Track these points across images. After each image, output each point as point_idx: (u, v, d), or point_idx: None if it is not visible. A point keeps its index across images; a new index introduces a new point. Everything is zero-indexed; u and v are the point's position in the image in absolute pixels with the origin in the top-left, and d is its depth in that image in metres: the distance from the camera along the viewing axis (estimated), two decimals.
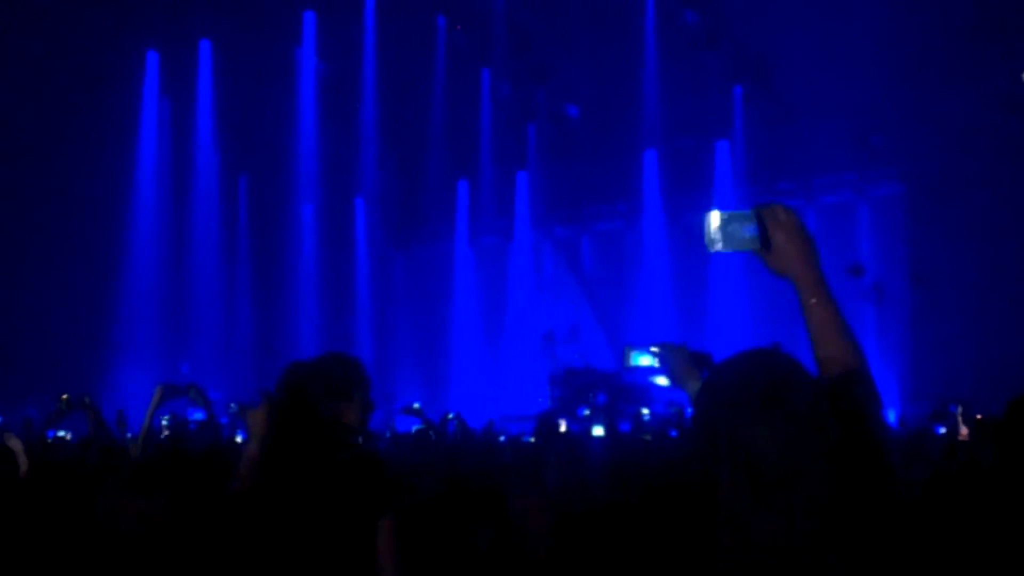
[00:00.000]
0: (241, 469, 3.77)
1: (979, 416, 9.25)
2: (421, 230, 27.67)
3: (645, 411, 13.59)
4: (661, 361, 3.14)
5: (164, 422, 10.51)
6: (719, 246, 2.32)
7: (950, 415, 11.41)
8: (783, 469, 1.94)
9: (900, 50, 19.74)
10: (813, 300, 2.24)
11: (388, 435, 11.69)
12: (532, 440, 10.08)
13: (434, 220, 27.22)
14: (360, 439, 4.07)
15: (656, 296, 23.74)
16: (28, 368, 20.98)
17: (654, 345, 3.22)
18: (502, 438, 11.73)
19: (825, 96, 21.21)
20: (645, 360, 3.27)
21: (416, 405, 9.81)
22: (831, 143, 21.63)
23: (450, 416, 9.70)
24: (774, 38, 21.57)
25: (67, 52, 23.01)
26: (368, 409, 4.08)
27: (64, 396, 6.49)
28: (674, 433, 10.32)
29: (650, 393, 15.56)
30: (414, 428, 11.53)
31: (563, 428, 14.13)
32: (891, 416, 15.11)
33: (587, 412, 14.18)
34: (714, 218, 2.33)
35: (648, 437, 10.44)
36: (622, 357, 3.53)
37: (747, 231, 2.31)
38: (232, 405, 8.65)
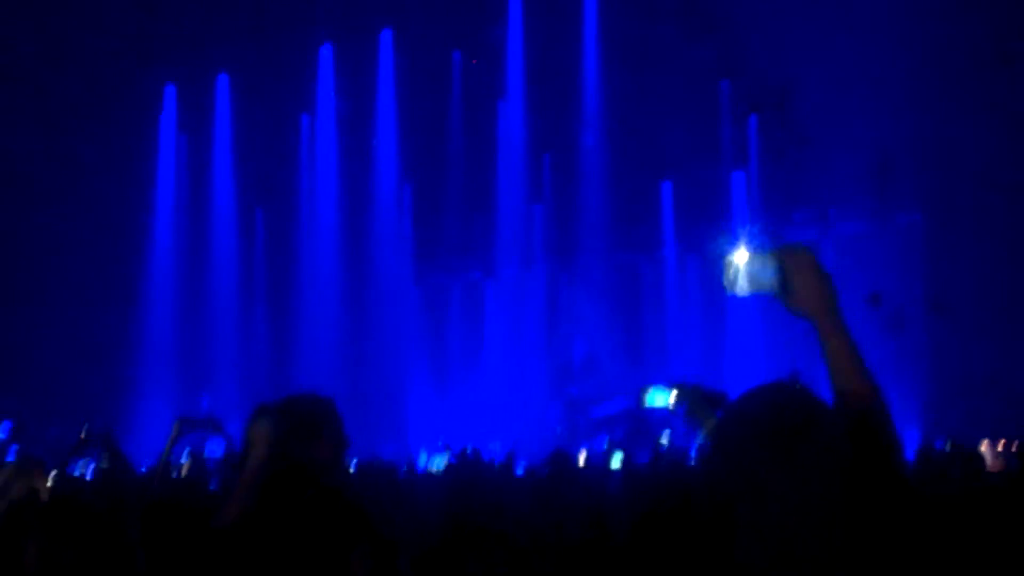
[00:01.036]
0: (238, 492, 3.76)
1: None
2: (438, 261, 27.70)
3: (664, 441, 13.55)
4: (677, 402, 3.16)
5: (183, 459, 10.55)
6: (739, 288, 2.35)
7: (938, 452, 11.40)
8: (800, 507, 1.96)
9: (918, 79, 19.77)
10: (832, 339, 2.26)
11: (405, 469, 11.68)
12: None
13: (452, 252, 27.25)
14: (332, 477, 4.01)
15: (674, 327, 23.73)
16: (51, 396, 21.04)
17: (670, 386, 3.24)
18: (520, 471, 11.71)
19: (842, 126, 21.22)
20: (661, 399, 3.28)
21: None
22: (848, 173, 21.62)
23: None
24: (791, 68, 21.59)
25: (86, 85, 23.23)
26: (340, 447, 4.05)
27: (86, 429, 6.49)
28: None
29: (670, 422, 15.50)
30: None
31: (582, 461, 14.12)
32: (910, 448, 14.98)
33: (607, 445, 14.16)
34: (733, 261, 2.35)
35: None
36: (638, 398, 3.53)
37: (766, 273, 2.33)
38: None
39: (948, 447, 10.82)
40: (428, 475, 12.31)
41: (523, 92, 25.85)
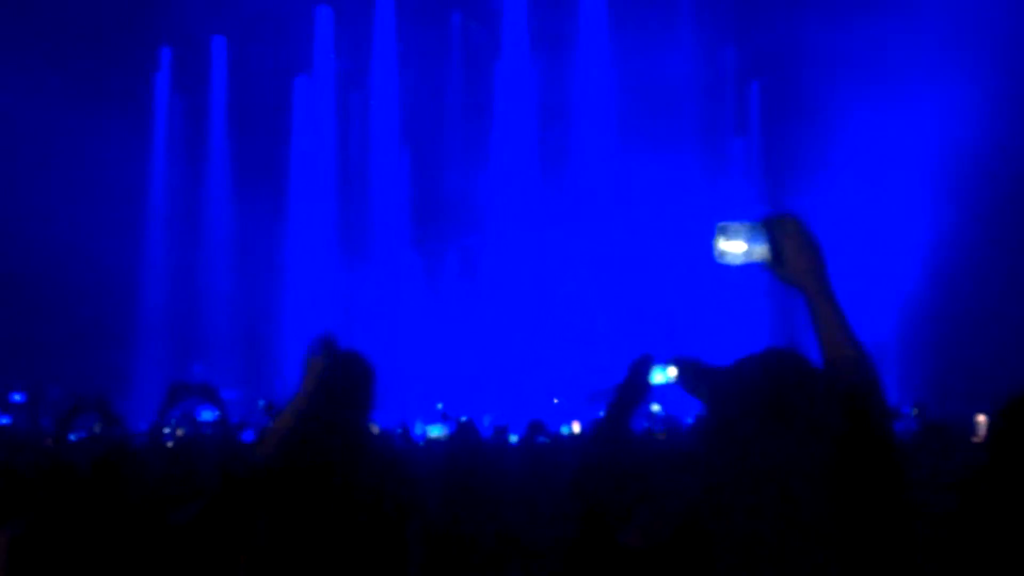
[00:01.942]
0: (281, 424, 3.78)
1: None
2: (436, 228, 27.64)
3: (656, 407, 13.59)
4: (678, 376, 3.15)
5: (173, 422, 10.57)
6: (728, 258, 2.34)
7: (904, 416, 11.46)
8: (792, 468, 2.03)
9: None
10: (821, 307, 2.28)
11: (400, 435, 11.65)
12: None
13: (452, 219, 27.20)
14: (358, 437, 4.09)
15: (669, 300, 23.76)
16: (47, 362, 21.09)
17: (668, 362, 3.23)
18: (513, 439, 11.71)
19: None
20: (660, 377, 3.26)
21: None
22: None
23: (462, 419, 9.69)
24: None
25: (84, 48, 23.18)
26: (368, 411, 4.14)
27: (78, 397, 6.49)
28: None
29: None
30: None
31: (576, 429, 14.23)
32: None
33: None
34: (723, 230, 2.34)
35: (663, 435, 10.42)
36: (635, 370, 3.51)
37: (756, 243, 2.33)
38: (261, 402, 8.72)
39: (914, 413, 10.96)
40: (426, 443, 12.30)
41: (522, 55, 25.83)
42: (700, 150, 24.51)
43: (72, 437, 7.97)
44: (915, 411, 9.92)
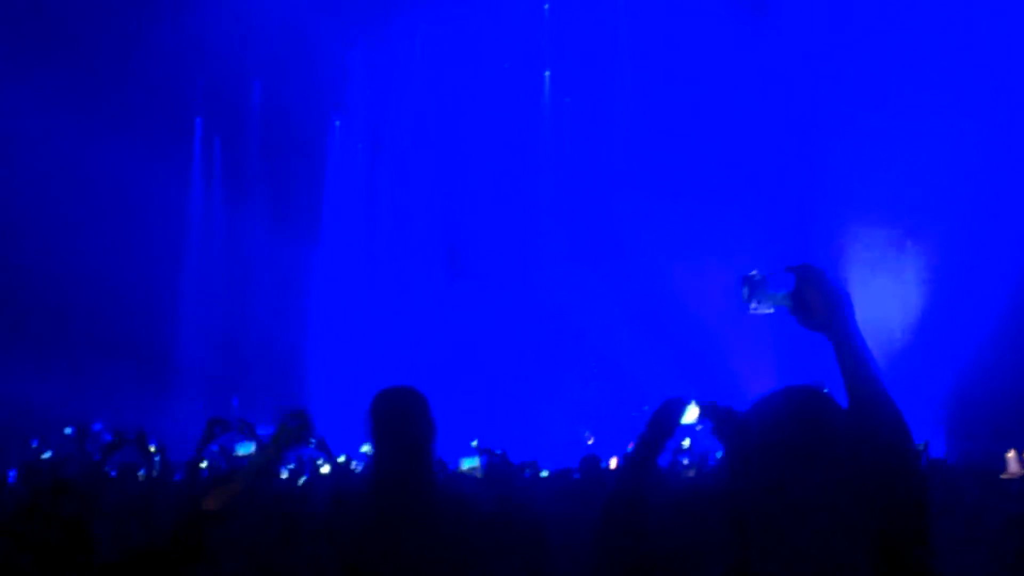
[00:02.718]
0: (238, 478, 3.69)
1: None
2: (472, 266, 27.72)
3: (686, 443, 13.58)
4: (703, 418, 3.30)
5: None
6: (755, 306, 2.51)
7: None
8: (820, 511, 2.11)
9: None
10: (845, 352, 2.36)
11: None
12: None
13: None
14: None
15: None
16: (89, 393, 21.29)
17: (690, 402, 3.37)
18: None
19: None
20: (687, 417, 3.40)
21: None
22: None
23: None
24: None
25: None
26: None
27: (118, 433, 6.69)
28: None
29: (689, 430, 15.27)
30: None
31: (613, 465, 14.25)
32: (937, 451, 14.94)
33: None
34: (749, 280, 2.50)
35: (692, 472, 10.47)
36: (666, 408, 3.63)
37: (781, 291, 2.47)
38: (311, 440, 8.84)
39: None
40: (461, 476, 12.29)
41: None
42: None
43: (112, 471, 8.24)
44: (922, 446, 9.91)
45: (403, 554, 3.69)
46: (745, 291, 2.50)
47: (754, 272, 2.51)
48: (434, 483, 3.97)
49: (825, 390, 2.32)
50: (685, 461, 10.99)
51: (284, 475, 10.47)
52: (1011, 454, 12.21)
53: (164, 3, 24.33)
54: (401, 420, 3.92)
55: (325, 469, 11.29)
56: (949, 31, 21.08)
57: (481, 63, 26.23)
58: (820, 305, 2.39)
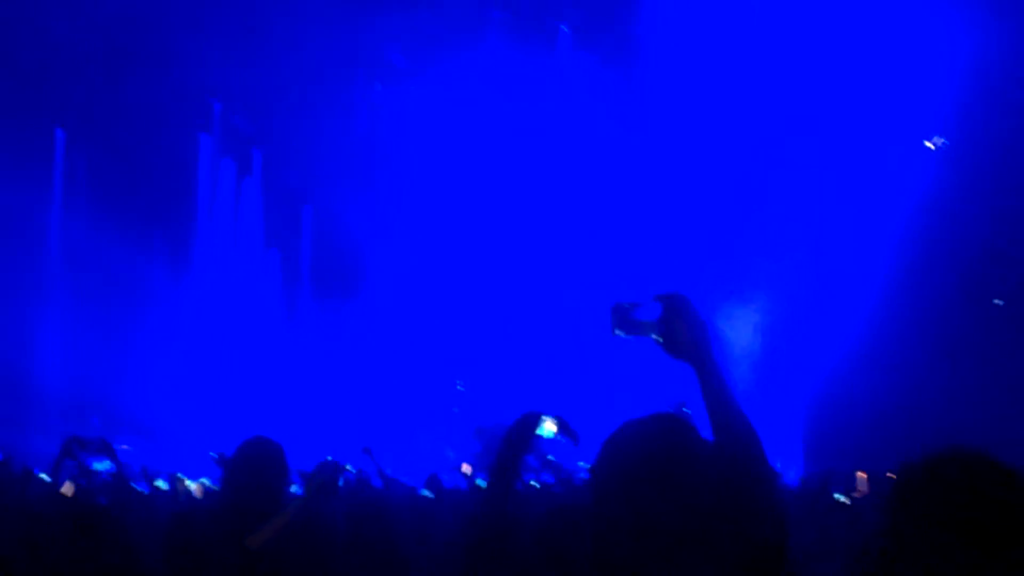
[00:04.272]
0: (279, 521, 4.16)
1: None
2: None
3: (551, 457, 13.72)
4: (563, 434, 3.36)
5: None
6: (621, 333, 2.53)
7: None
8: (682, 535, 2.17)
9: None
10: (709, 381, 2.41)
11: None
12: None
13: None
14: None
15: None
16: None
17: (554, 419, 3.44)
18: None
19: None
20: (544, 429, 3.44)
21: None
22: None
23: None
24: None
25: None
26: None
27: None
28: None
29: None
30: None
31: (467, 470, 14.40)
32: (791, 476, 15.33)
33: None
34: (617, 308, 2.54)
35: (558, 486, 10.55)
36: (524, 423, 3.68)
37: (647, 319, 2.51)
38: (213, 454, 8.77)
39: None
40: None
41: None
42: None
43: None
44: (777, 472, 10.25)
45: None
46: (613, 319, 2.54)
47: (622, 301, 2.55)
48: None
49: (688, 412, 2.39)
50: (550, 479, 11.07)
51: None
52: (862, 474, 12.69)
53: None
54: (259, 466, 4.45)
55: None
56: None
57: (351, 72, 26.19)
58: (685, 335, 2.44)
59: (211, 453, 8.69)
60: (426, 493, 9.86)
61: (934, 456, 2.25)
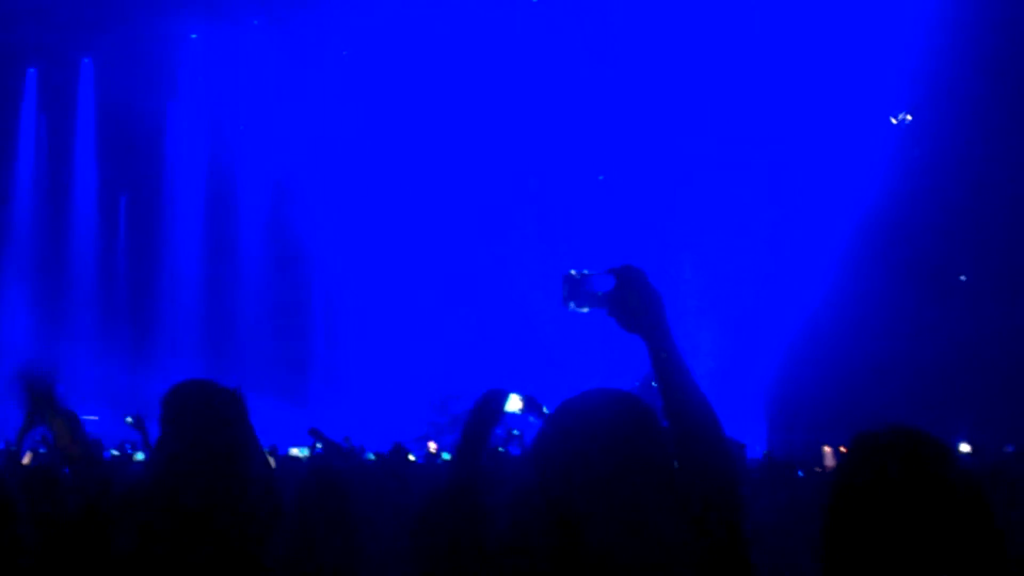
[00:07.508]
0: None
1: None
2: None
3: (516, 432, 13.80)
4: (524, 408, 3.36)
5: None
6: (573, 305, 2.49)
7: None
8: (632, 510, 2.16)
9: None
10: (661, 354, 2.38)
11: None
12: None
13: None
14: None
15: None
16: None
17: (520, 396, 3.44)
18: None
19: None
20: (510, 405, 3.44)
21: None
22: None
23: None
24: None
25: None
26: None
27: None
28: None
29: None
30: None
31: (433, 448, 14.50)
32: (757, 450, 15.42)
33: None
34: (569, 278, 2.49)
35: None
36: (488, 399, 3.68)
37: (599, 290, 2.47)
38: (128, 418, 8.63)
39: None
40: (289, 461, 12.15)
41: None
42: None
43: None
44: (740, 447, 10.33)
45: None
46: (565, 290, 2.49)
47: (574, 271, 2.50)
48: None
49: (655, 387, 2.36)
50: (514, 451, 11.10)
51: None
52: (827, 449, 12.83)
53: None
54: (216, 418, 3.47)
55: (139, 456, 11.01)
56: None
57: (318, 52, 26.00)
58: (637, 307, 2.40)
59: (127, 418, 8.34)
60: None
61: (869, 433, 2.26)
